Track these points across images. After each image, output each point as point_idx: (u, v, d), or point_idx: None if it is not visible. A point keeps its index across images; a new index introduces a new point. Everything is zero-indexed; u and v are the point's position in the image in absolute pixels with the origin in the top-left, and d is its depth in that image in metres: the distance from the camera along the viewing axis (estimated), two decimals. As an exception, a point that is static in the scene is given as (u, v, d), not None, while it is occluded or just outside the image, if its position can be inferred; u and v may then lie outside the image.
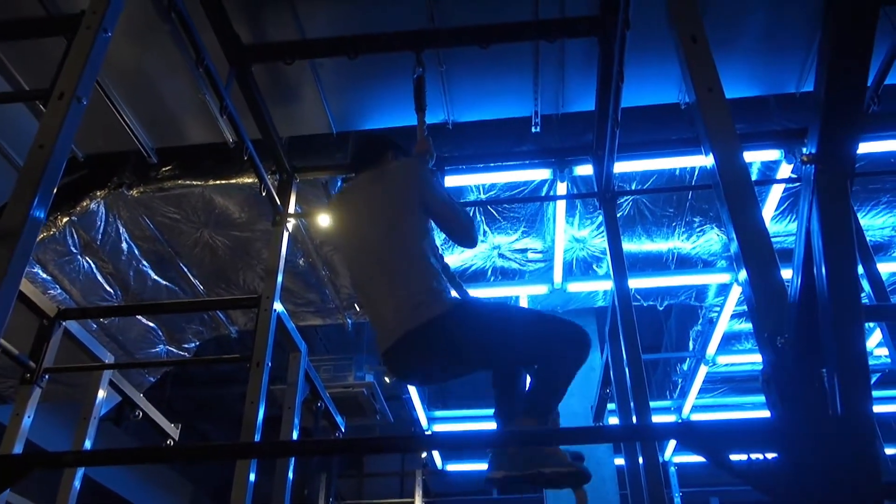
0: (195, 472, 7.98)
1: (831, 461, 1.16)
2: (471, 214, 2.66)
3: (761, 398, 5.41)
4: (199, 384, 7.64)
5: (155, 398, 4.23)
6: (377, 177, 2.60)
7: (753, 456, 1.20)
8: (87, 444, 3.47)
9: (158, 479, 7.19)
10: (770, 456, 1.20)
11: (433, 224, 2.58)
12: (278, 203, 3.47)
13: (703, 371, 5.97)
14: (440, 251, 2.65)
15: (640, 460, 2.86)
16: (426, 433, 6.69)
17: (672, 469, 7.63)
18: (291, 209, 3.56)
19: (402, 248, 2.43)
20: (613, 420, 3.76)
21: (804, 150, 1.17)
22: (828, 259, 1.16)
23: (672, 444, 7.10)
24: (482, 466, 8.37)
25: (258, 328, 3.13)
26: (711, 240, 4.61)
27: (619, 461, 4.21)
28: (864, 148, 3.62)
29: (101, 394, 3.56)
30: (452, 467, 7.73)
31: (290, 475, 3.33)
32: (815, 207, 1.11)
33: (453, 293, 2.47)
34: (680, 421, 6.52)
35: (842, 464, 1.15)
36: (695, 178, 4.04)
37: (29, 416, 3.00)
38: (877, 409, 5.95)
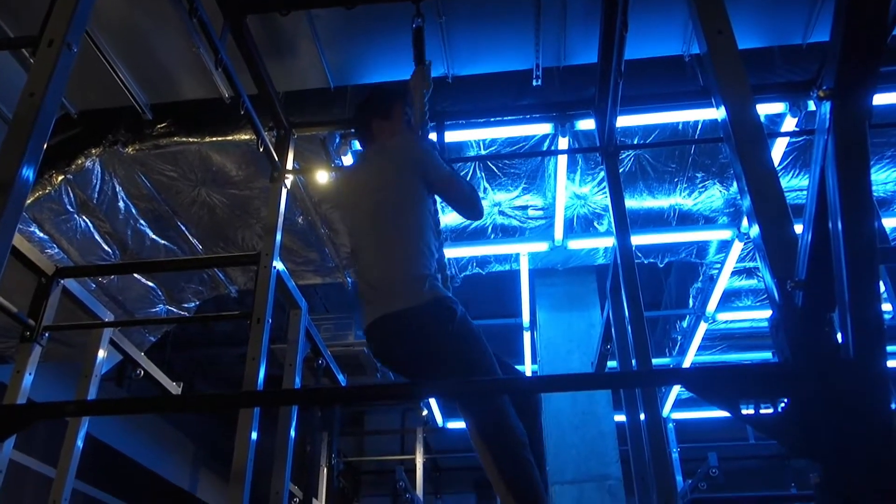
0: (198, 433, 8.04)
1: (841, 406, 1.15)
2: (473, 183, 2.62)
3: (760, 355, 5.45)
4: (198, 345, 7.66)
5: (155, 360, 4.23)
6: (380, 154, 2.57)
7: (762, 403, 1.19)
8: (92, 393, 3.48)
9: (162, 441, 7.26)
10: (778, 401, 1.18)
11: (436, 208, 2.55)
12: (276, 159, 3.43)
13: (702, 328, 5.98)
14: (440, 241, 2.61)
15: (642, 416, 2.85)
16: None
17: (670, 425, 7.70)
18: (289, 165, 3.51)
19: (400, 228, 2.40)
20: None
21: (819, 89, 1.13)
22: (844, 203, 1.12)
23: (671, 399, 7.16)
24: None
25: (258, 285, 3.11)
26: (713, 196, 4.57)
27: (620, 417, 4.23)
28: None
29: (102, 353, 3.56)
30: (453, 425, 7.79)
31: (292, 433, 3.34)
32: (830, 148, 1.07)
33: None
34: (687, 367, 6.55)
35: (852, 409, 1.14)
36: (698, 131, 3.98)
37: (30, 374, 2.99)
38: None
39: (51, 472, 3.95)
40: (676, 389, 6.99)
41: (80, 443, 3.33)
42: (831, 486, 1.11)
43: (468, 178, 4.27)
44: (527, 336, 6.06)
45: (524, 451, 2.17)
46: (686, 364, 6.58)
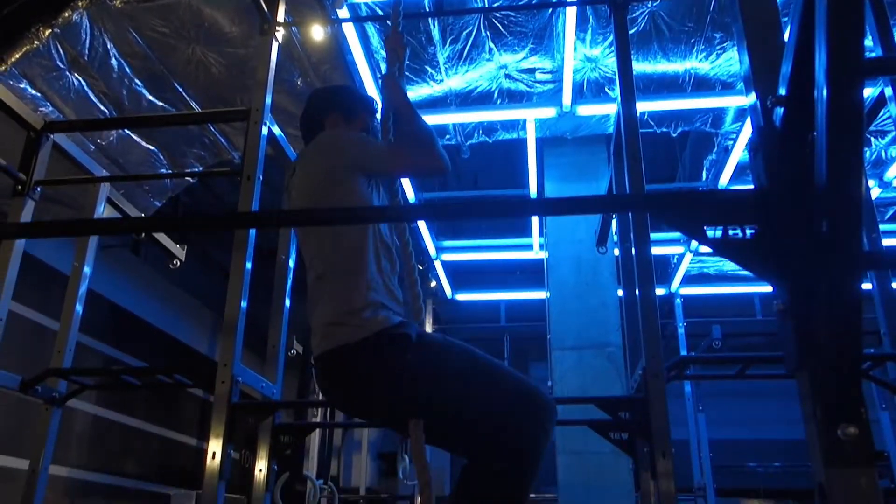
0: (215, 300, 8.24)
1: (811, 234, 1.08)
2: (431, 136, 2.07)
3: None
4: (213, 213, 7.74)
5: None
6: (311, 151, 2.12)
7: (730, 228, 1.12)
8: (88, 260, 3.52)
9: (182, 308, 7.46)
10: (747, 227, 1.12)
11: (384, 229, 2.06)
12: (265, 10, 3.26)
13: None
14: (400, 247, 2.14)
15: (637, 291, 2.80)
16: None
17: (678, 300, 7.75)
18: (280, 18, 3.34)
19: (337, 249, 1.97)
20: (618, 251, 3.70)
21: None
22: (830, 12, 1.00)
23: (680, 274, 7.16)
24: (493, 296, 8.51)
25: (247, 141, 3.04)
26: (732, 59, 4.34)
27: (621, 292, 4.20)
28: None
29: (100, 211, 3.56)
30: (463, 296, 7.91)
31: (287, 302, 3.32)
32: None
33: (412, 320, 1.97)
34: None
35: (822, 237, 1.07)
36: (718, -16, 3.72)
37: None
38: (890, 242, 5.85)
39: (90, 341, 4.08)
40: (686, 265, 6.97)
41: (78, 309, 3.39)
42: (793, 312, 1.06)
43: (472, 37, 4.07)
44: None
45: None
46: (694, 244, 6.53)
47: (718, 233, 1.11)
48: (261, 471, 2.96)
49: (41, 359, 3.25)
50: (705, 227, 1.12)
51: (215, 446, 2.60)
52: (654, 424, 2.50)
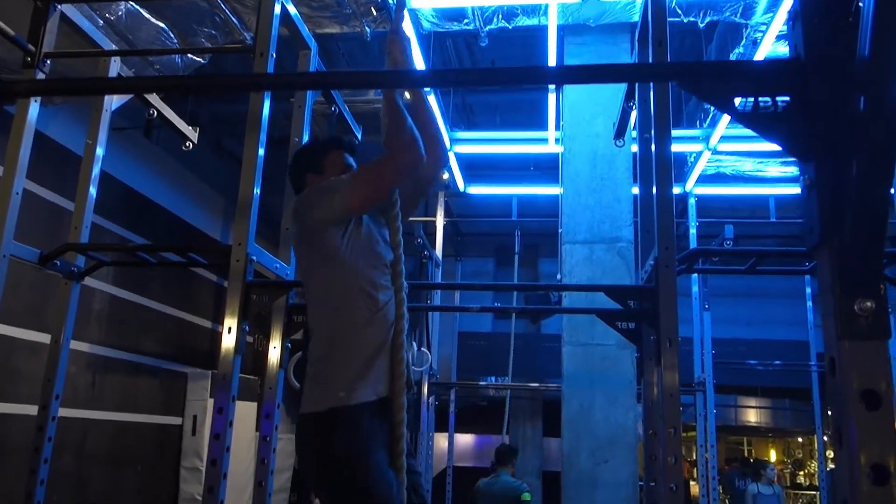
0: (229, 188, 8.25)
1: (845, 108, 1.04)
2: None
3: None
4: (224, 101, 7.62)
5: (178, 112, 4.16)
6: (293, 213, 2.21)
7: (762, 100, 1.09)
8: (101, 141, 3.50)
9: (195, 194, 7.48)
10: (779, 99, 1.08)
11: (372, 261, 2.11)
12: None
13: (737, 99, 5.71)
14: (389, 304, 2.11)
15: (654, 189, 2.76)
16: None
17: (692, 200, 7.70)
18: None
19: (316, 309, 2.15)
20: (635, 147, 3.61)
21: None
22: None
23: (695, 174, 7.07)
24: (504, 189, 8.49)
25: (260, 15, 2.95)
26: (769, -60, 4.10)
27: (636, 190, 4.14)
28: None
29: (111, 87, 3.50)
30: (474, 189, 7.87)
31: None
32: None
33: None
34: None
35: (857, 112, 1.03)
36: None
37: (35, 101, 2.97)
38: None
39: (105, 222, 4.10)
40: (703, 164, 6.87)
41: (95, 172, 3.40)
42: (820, 187, 1.04)
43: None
44: (551, 99, 5.86)
45: None
46: (715, 138, 6.40)
47: (749, 106, 1.07)
48: (275, 348, 3.05)
49: (59, 239, 3.29)
50: (735, 99, 1.08)
51: (230, 322, 2.67)
52: (663, 313, 2.53)
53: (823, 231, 0.98)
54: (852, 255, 0.98)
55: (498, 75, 1.66)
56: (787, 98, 1.06)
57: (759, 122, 1.07)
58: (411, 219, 8.99)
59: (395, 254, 2.15)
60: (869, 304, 0.96)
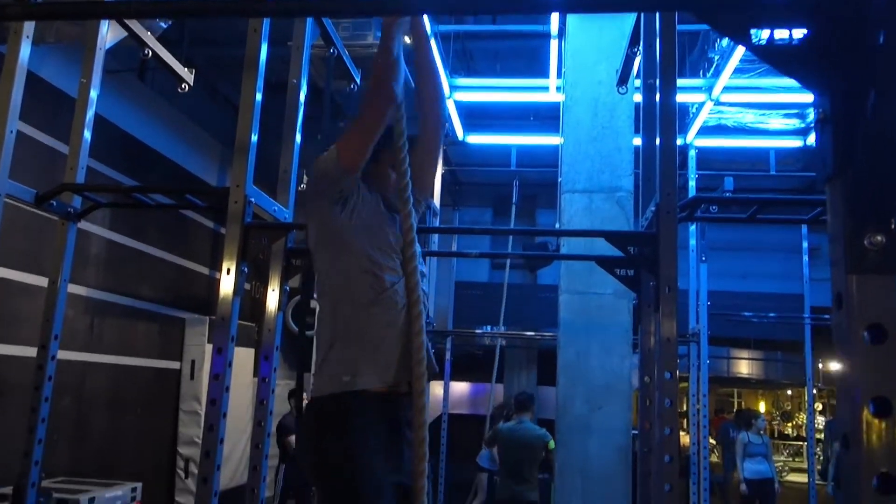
0: (225, 134, 8.16)
1: (864, 41, 1.01)
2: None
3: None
4: (222, 44, 7.46)
5: (174, 55, 4.06)
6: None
7: (778, 33, 1.06)
8: (95, 83, 3.43)
9: (191, 139, 7.40)
10: (797, 34, 1.05)
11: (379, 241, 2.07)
12: None
13: (741, 49, 5.62)
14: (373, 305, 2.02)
15: (658, 141, 2.71)
16: None
17: (692, 152, 7.65)
18: None
19: (321, 288, 2.12)
20: (638, 97, 3.54)
21: None
22: None
23: (697, 125, 7.01)
24: (503, 139, 8.41)
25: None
26: None
27: (637, 140, 4.09)
28: None
29: (104, 26, 3.43)
30: (474, 139, 7.80)
31: (299, 124, 3.26)
32: None
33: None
34: None
35: (875, 48, 1.00)
36: None
37: (28, 37, 2.90)
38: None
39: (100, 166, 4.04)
40: (705, 115, 6.80)
41: (90, 116, 3.35)
42: (835, 120, 1.02)
43: None
44: (553, 45, 5.76)
45: None
46: (718, 88, 6.32)
47: (769, 38, 1.05)
48: (273, 290, 3.05)
49: (54, 182, 3.26)
50: (751, 30, 1.06)
51: (229, 264, 2.67)
52: (663, 259, 2.53)
53: (837, 163, 0.97)
54: (865, 188, 0.97)
55: (503, 3, 1.62)
56: (805, 30, 1.03)
57: (774, 55, 1.04)
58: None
59: (407, 238, 2.08)
60: (879, 237, 0.95)
